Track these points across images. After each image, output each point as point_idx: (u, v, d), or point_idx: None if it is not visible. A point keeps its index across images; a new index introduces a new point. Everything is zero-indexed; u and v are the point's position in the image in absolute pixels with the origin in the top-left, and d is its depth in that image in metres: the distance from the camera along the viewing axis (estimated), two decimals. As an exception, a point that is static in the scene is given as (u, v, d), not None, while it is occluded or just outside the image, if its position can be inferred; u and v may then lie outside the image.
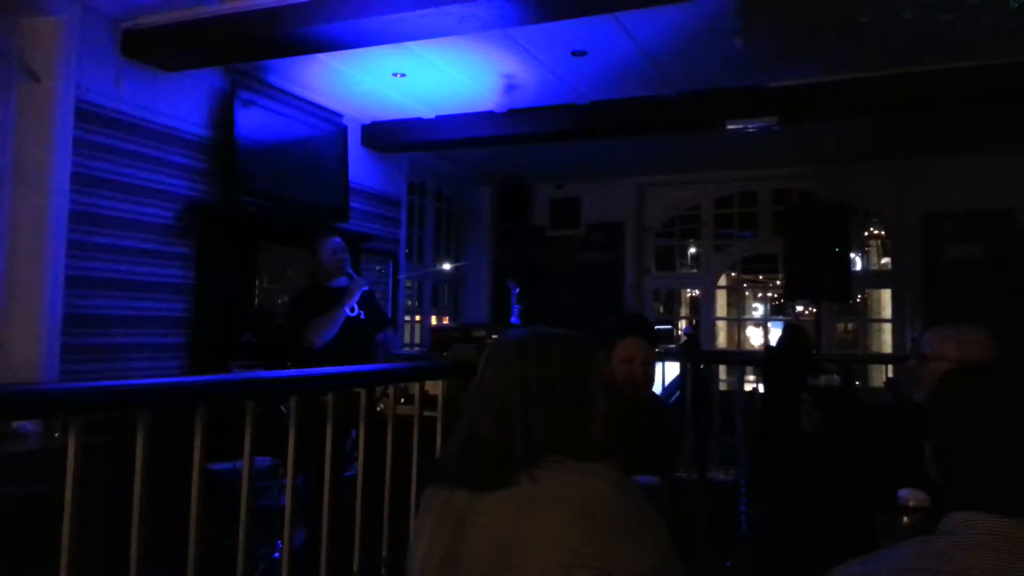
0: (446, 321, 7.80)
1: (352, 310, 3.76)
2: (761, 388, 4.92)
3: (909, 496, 1.69)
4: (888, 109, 4.94)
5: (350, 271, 3.92)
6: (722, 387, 6.49)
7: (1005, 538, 0.96)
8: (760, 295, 9.98)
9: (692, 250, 8.06)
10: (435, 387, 2.51)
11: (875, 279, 7.61)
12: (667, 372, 5.00)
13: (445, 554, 1.29)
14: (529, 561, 1.19)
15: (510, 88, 4.99)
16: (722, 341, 8.20)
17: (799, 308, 8.44)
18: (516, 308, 4.04)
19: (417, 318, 7.28)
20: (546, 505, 1.21)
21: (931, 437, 1.10)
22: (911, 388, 2.11)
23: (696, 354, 5.61)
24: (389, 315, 5.96)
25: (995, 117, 5.34)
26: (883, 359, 6.92)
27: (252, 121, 4.71)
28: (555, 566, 1.17)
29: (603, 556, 1.17)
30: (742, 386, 5.41)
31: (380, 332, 4.19)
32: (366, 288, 3.87)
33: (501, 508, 1.25)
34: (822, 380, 4.10)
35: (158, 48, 4.01)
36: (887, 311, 7.47)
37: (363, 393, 2.09)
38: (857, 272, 7.00)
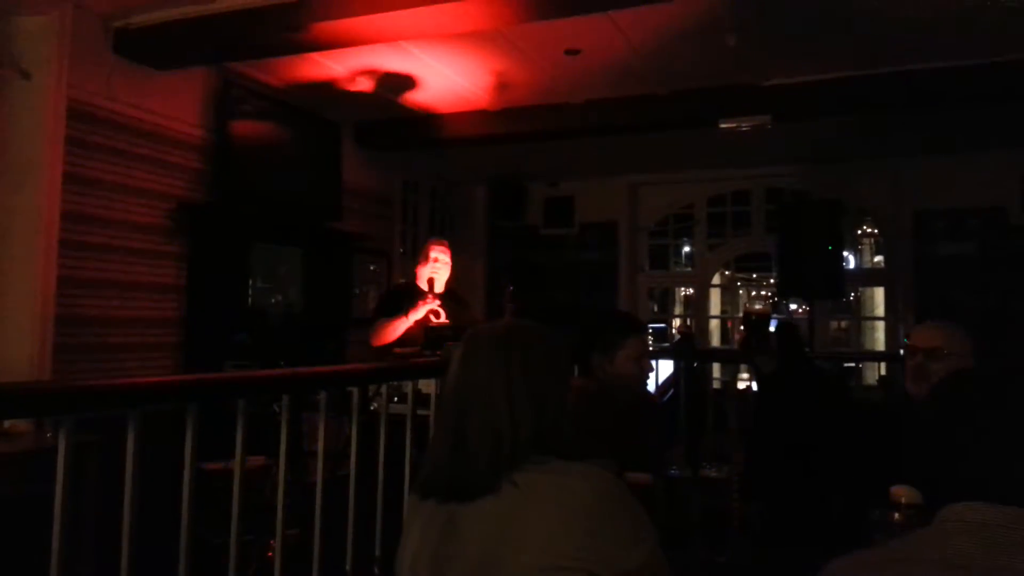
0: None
1: (434, 317, 3.76)
2: (754, 386, 4.92)
3: (901, 492, 1.70)
4: (881, 107, 4.95)
5: (435, 280, 3.87)
6: (715, 385, 6.50)
7: (986, 526, 0.97)
8: (754, 293, 10.02)
9: (686, 249, 8.06)
10: (428, 386, 2.52)
11: (868, 277, 7.63)
12: (661, 370, 5.00)
13: (434, 555, 1.28)
14: (516, 563, 1.19)
15: (504, 87, 4.99)
16: (716, 339, 8.22)
17: (792, 306, 8.46)
18: (510, 307, 4.03)
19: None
20: (530, 508, 1.21)
21: (935, 431, 1.11)
22: (916, 383, 2.12)
23: (690, 352, 5.62)
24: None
25: (988, 116, 5.35)
26: (876, 357, 6.95)
27: (245, 120, 4.69)
28: (540, 569, 1.17)
29: (586, 556, 1.17)
30: (736, 384, 5.42)
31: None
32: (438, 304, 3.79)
33: (487, 513, 1.24)
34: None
35: (150, 47, 3.99)
36: (880, 309, 7.49)
37: (356, 392, 2.09)
38: (850, 270, 7.01)
